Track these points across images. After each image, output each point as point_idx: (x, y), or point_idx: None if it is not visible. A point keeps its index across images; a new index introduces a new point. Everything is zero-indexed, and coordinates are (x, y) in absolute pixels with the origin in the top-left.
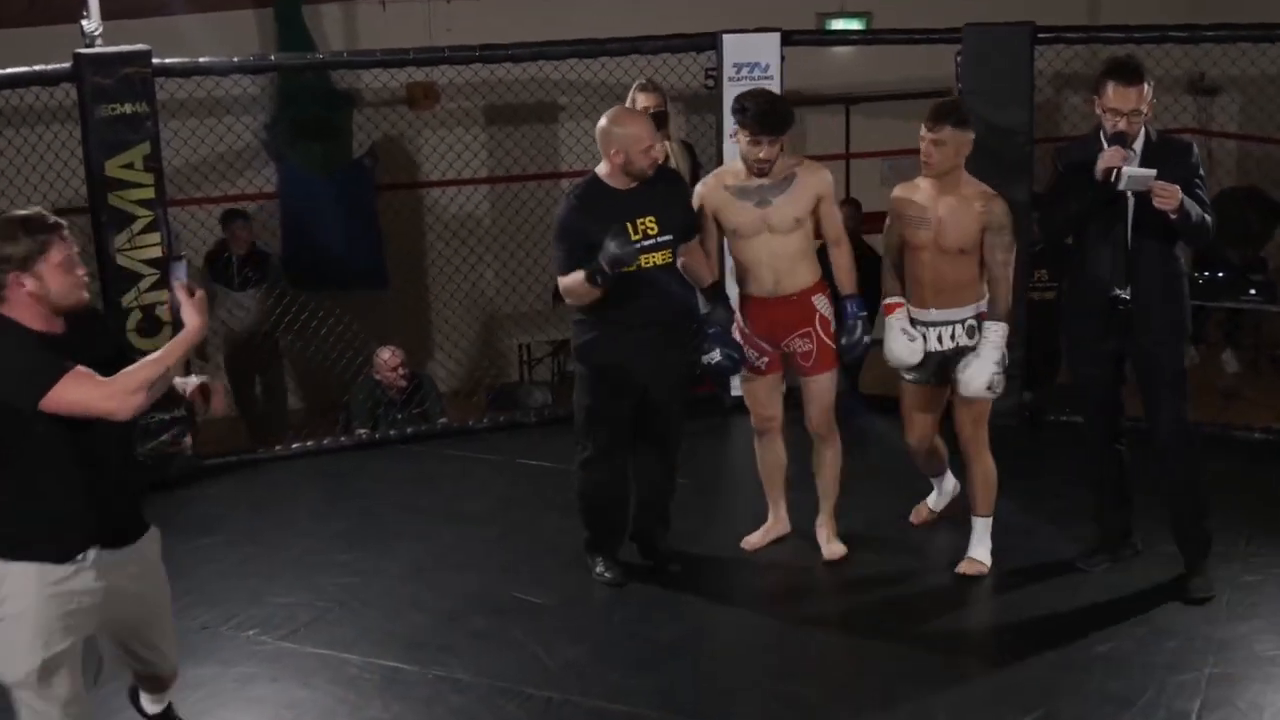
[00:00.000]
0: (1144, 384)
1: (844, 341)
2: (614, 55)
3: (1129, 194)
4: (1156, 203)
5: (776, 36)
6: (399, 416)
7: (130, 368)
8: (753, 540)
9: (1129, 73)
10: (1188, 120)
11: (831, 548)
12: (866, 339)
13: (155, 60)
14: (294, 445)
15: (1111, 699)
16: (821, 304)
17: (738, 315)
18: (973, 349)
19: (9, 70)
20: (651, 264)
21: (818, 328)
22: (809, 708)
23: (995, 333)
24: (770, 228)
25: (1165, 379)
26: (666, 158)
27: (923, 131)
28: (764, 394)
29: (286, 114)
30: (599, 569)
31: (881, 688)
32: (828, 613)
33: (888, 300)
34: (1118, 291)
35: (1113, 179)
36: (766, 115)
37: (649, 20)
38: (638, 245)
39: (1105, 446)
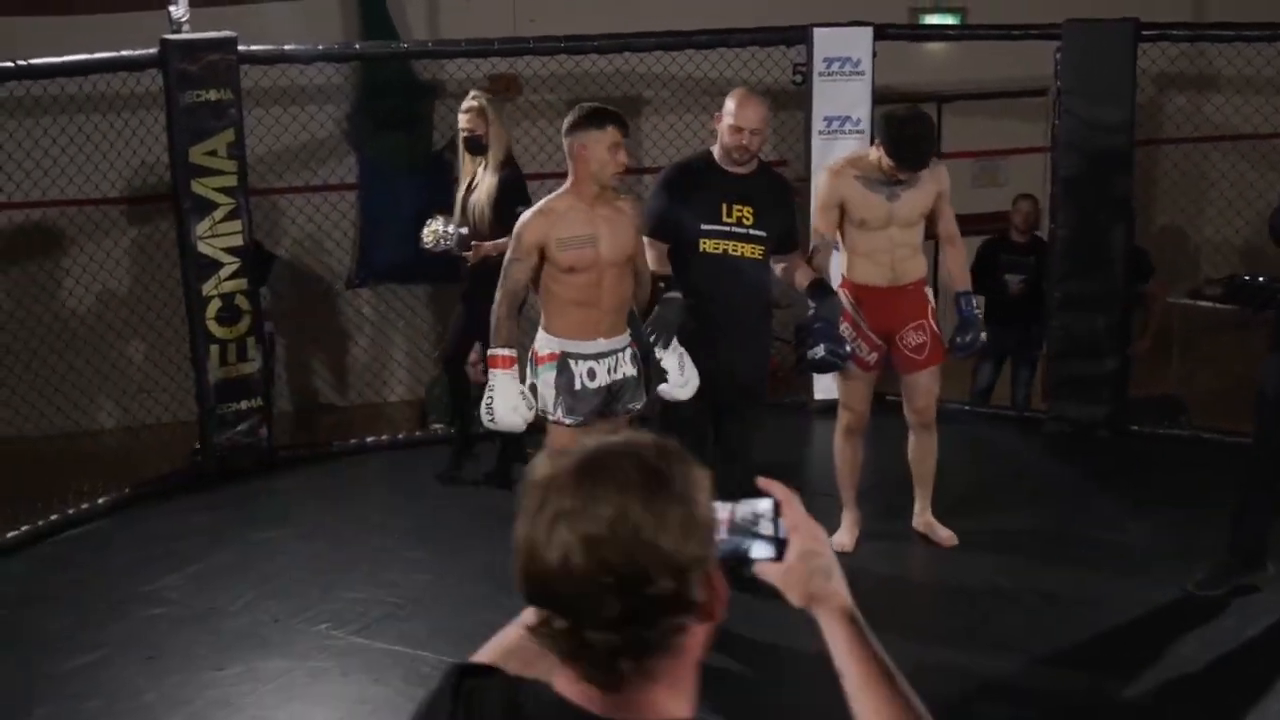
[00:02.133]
0: None
1: (959, 339)
2: (700, 48)
3: None
4: None
5: (869, 31)
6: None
7: None
8: (845, 542)
9: None
10: None
11: (944, 533)
12: (983, 336)
13: (240, 47)
14: (368, 439)
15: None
16: (931, 296)
17: (851, 310)
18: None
19: (96, 55)
20: (740, 254)
21: (930, 320)
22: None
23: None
24: (896, 220)
25: None
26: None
27: None
28: (865, 391)
29: (368, 104)
30: None
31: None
32: (916, 618)
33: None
34: None
35: None
36: (919, 156)
37: (737, 13)
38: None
39: (1271, 468)
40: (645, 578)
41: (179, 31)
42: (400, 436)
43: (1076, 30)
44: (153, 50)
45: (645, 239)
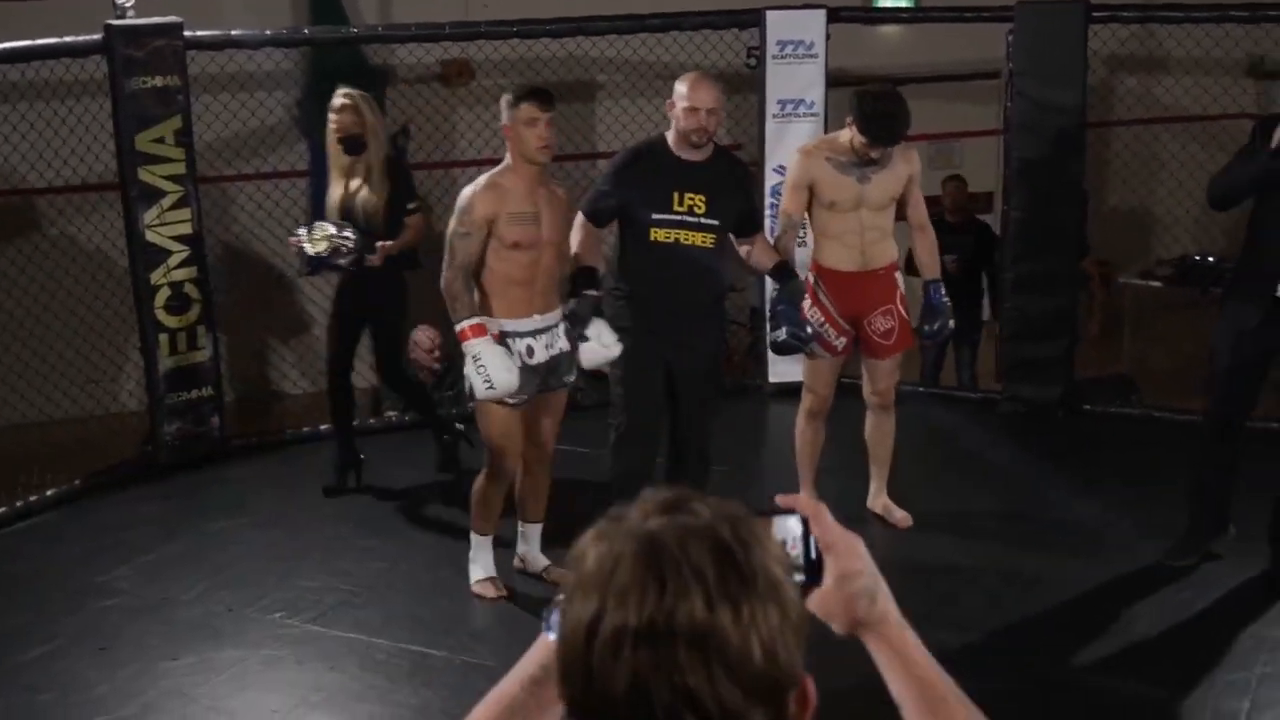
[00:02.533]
0: None
1: (927, 327)
2: (654, 31)
3: None
4: None
5: (822, 14)
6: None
7: None
8: None
9: None
10: (1247, 104)
11: (900, 514)
12: (951, 323)
13: (187, 33)
14: (322, 427)
15: (1156, 697)
16: (900, 282)
17: (822, 296)
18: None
19: (39, 42)
20: (691, 243)
21: (898, 305)
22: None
23: None
24: (867, 202)
25: None
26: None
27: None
28: (830, 375)
29: (319, 90)
30: None
31: None
32: None
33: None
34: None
35: None
36: (892, 132)
37: None
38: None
39: (1228, 440)
40: (736, 711)
41: (123, 17)
42: (354, 424)
43: (1028, 12)
44: (97, 36)
45: (578, 217)
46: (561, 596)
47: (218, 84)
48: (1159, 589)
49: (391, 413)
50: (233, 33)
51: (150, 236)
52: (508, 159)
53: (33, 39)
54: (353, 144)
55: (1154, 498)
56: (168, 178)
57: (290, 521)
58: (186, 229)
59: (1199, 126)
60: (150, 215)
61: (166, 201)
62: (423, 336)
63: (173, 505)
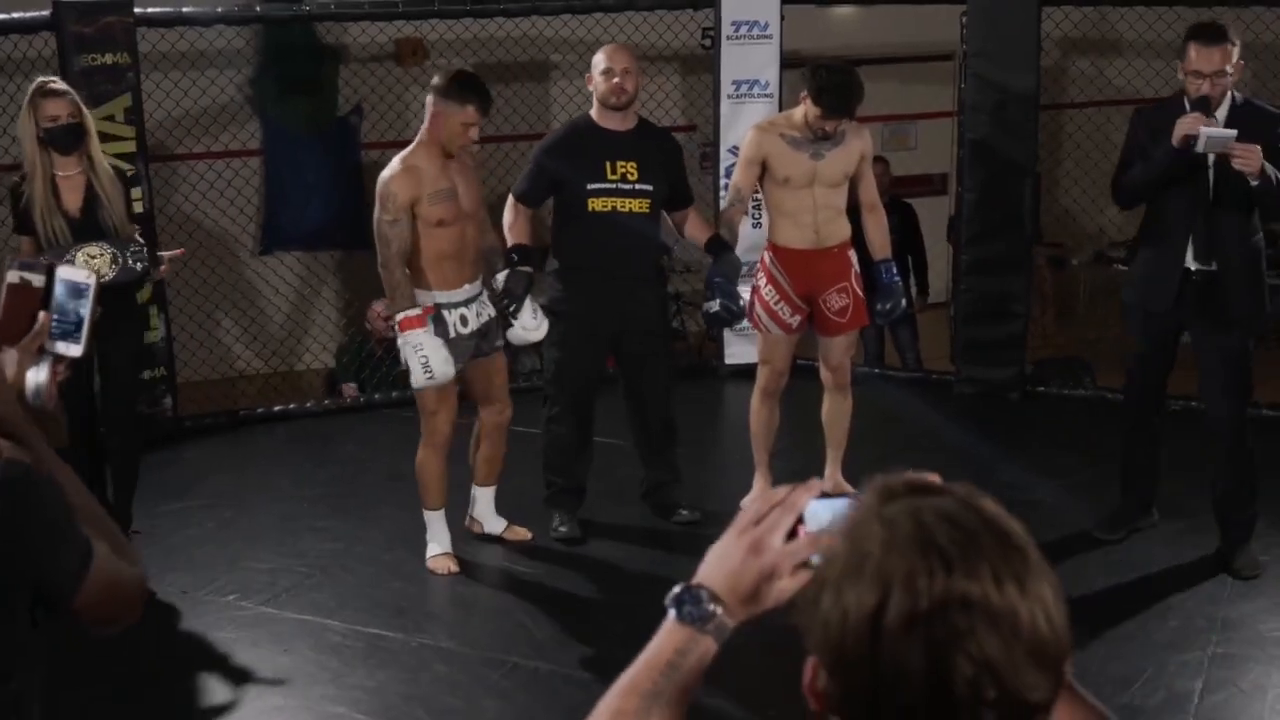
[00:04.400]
0: (1205, 361)
1: (880, 307)
2: (609, 11)
3: (1209, 164)
4: (1236, 164)
5: None
6: (389, 376)
7: None
8: None
9: (1212, 33)
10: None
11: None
12: (903, 303)
13: (137, 10)
14: (275, 408)
15: (1111, 678)
16: (854, 259)
17: (777, 274)
18: None
19: None
20: (628, 209)
21: (853, 283)
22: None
23: None
24: (820, 179)
25: (1229, 357)
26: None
27: None
28: (786, 351)
29: (271, 69)
30: (555, 523)
31: None
32: None
33: None
34: (1192, 264)
35: (1192, 145)
36: (845, 103)
37: None
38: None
39: (1147, 417)
40: (1030, 680)
41: None
42: (309, 405)
43: None
44: (45, 12)
45: (509, 199)
46: (697, 582)
47: (168, 61)
48: (1112, 570)
49: (351, 394)
50: (184, 10)
51: None
52: (420, 137)
53: None
54: (73, 135)
55: (1108, 479)
56: (118, 156)
57: (243, 502)
58: (138, 208)
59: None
60: None
61: None
62: (381, 307)
63: None
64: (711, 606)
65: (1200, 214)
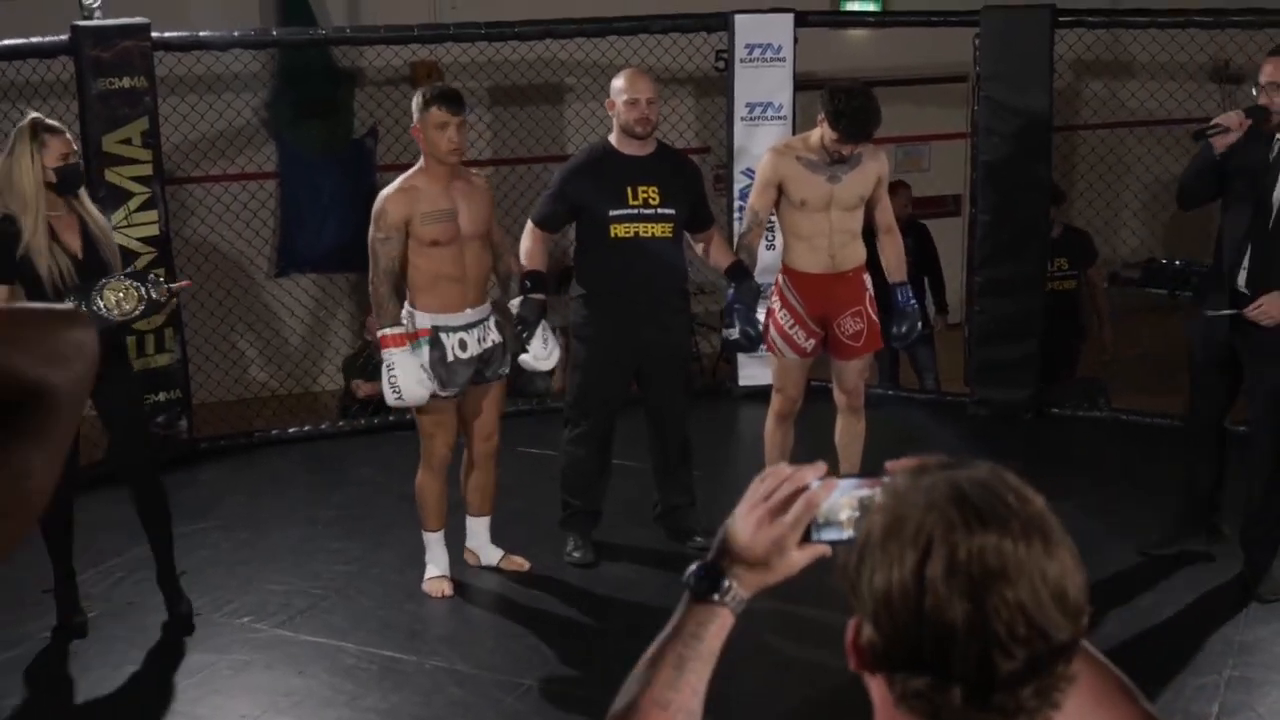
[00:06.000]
0: (1250, 385)
1: (896, 330)
2: (622, 34)
3: (1277, 186)
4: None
5: (790, 18)
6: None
7: None
8: None
9: None
10: (1212, 108)
11: None
12: (919, 326)
13: (154, 34)
14: (290, 429)
15: None
16: (869, 283)
17: (791, 298)
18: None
19: (5, 42)
20: (651, 235)
21: (868, 307)
22: (819, 703)
23: None
24: (837, 202)
25: (1273, 386)
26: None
27: None
28: (800, 375)
29: (287, 92)
30: (569, 548)
31: None
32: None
33: None
34: (1244, 287)
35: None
36: (863, 127)
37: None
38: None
39: (1203, 432)
40: (1057, 625)
41: (90, 17)
42: (324, 426)
43: (994, 16)
44: (64, 37)
45: (528, 225)
46: (712, 558)
47: (185, 85)
48: (1128, 591)
49: (363, 393)
50: (200, 34)
51: (117, 238)
52: (422, 160)
53: None
54: (79, 174)
55: (1122, 500)
56: (135, 179)
57: (258, 524)
58: (154, 230)
59: (1164, 130)
60: (117, 217)
61: (134, 203)
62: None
63: None
64: (726, 580)
65: (1256, 238)
